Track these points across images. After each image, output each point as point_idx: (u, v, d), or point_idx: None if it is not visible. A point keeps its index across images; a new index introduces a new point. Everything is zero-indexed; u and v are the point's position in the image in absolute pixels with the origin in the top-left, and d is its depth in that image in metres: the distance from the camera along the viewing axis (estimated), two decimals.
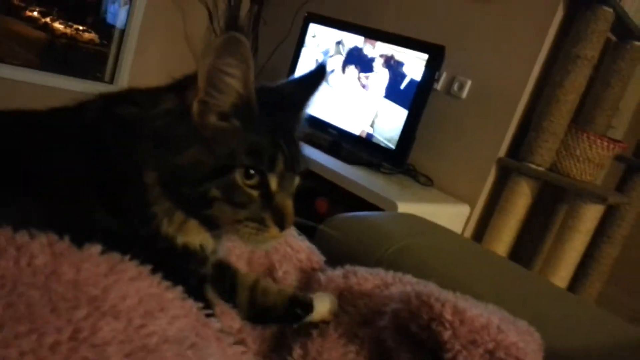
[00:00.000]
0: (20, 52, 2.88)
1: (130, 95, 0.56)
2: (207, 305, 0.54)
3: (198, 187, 0.52)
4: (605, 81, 2.13)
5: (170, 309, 0.44)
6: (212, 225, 0.56)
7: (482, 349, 0.57)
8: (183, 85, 0.54)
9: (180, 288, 0.48)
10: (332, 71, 2.31)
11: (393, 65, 2.13)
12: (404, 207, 1.79)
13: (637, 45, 2.07)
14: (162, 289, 0.45)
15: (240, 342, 0.61)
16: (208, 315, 0.49)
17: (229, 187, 0.53)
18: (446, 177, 2.22)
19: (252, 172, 0.54)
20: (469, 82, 2.14)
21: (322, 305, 0.71)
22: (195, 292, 0.51)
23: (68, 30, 3.03)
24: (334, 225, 1.16)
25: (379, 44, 2.18)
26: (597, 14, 1.84)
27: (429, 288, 0.65)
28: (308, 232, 1.01)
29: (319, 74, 0.64)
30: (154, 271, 0.47)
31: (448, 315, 0.59)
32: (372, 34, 2.21)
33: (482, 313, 0.61)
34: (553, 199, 2.26)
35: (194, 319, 0.46)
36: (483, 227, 2.17)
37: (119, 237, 0.49)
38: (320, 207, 2.13)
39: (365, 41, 2.23)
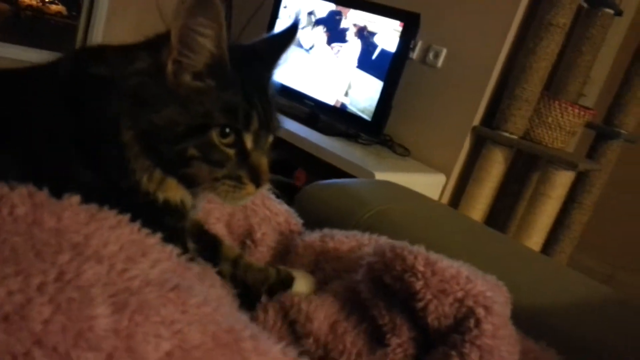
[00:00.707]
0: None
1: (103, 53, 0.56)
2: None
3: (175, 146, 0.53)
4: (577, 48, 2.17)
5: (151, 254, 0.45)
6: (190, 183, 0.57)
7: (452, 298, 0.60)
8: (156, 45, 0.54)
9: (158, 234, 0.49)
10: (304, 27, 2.30)
11: (366, 36, 2.13)
12: (381, 177, 1.82)
13: (607, 12, 2.11)
14: (143, 236, 0.47)
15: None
16: (188, 260, 0.51)
17: (206, 146, 0.54)
18: (422, 146, 2.25)
19: (227, 130, 0.55)
20: (444, 51, 2.15)
21: (301, 284, 0.72)
22: (175, 242, 0.52)
23: (34, 2, 2.95)
24: (311, 192, 1.18)
25: (351, 13, 2.18)
26: None
27: (403, 242, 0.68)
28: (287, 198, 1.03)
29: (290, 31, 0.65)
30: (133, 220, 0.48)
31: (420, 267, 0.62)
32: (345, 2, 2.20)
33: (452, 264, 0.64)
34: (526, 167, 2.31)
35: (175, 263, 0.48)
36: (459, 195, 2.22)
37: (97, 190, 0.50)
38: (299, 178, 2.15)
39: (337, 9, 2.22)
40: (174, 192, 0.57)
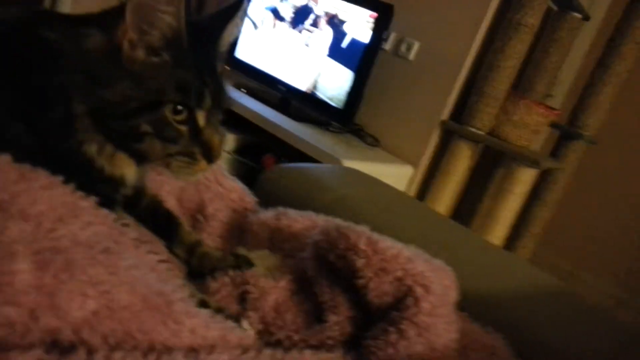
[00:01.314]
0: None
1: (50, 20, 0.55)
2: None
3: (128, 122, 0.53)
4: (545, 50, 2.21)
5: (83, 216, 0.45)
6: (142, 158, 0.58)
7: (392, 277, 0.61)
8: (108, 20, 0.54)
9: (93, 198, 0.49)
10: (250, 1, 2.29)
11: (337, 24, 2.14)
12: (349, 166, 1.83)
13: (575, 16, 2.15)
14: (76, 198, 0.47)
15: (169, 265, 0.63)
16: (124, 225, 0.51)
17: (159, 122, 0.54)
18: (392, 138, 2.26)
19: (180, 108, 0.55)
20: (417, 44, 2.17)
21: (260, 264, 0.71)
22: (105, 207, 0.52)
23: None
24: (273, 175, 1.18)
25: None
26: None
27: (349, 223, 0.69)
28: (248, 181, 1.03)
29: (235, 6, 0.65)
30: (67, 182, 0.48)
31: (362, 245, 0.63)
32: None
33: (394, 245, 0.65)
34: (492, 163, 2.35)
35: (109, 227, 0.48)
36: (426, 188, 2.25)
37: (34, 152, 0.49)
38: (267, 163, 2.15)
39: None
40: (120, 166, 0.57)
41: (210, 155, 0.58)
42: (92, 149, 0.54)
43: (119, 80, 0.52)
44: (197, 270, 0.67)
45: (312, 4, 2.22)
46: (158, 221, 0.67)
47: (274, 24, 2.33)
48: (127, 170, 0.58)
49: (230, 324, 0.51)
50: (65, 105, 0.52)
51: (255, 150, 2.21)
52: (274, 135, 2.05)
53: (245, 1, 0.66)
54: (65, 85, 0.52)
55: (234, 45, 2.46)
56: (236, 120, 2.21)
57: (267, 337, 0.61)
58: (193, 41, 0.57)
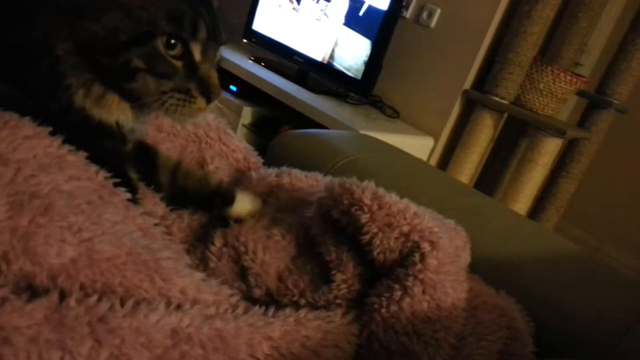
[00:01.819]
0: None
1: None
2: (129, 183, 0.54)
3: (118, 57, 0.51)
4: (573, 14, 2.11)
5: (69, 169, 0.43)
6: (134, 98, 0.55)
7: (397, 232, 0.58)
8: None
9: (83, 154, 0.47)
10: None
11: None
12: None
13: None
14: (64, 151, 0.44)
15: (165, 229, 0.61)
16: (116, 185, 0.49)
17: (152, 56, 0.52)
18: (412, 109, 2.21)
19: (173, 41, 0.52)
20: (438, 11, 2.10)
21: (242, 204, 0.70)
22: (114, 169, 0.50)
23: None
24: (284, 140, 1.15)
25: None
26: None
27: (353, 179, 0.66)
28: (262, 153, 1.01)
29: None
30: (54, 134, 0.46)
31: (367, 200, 0.60)
32: None
33: (401, 200, 0.62)
34: (516, 133, 2.28)
35: (97, 185, 0.46)
36: (447, 159, 2.20)
37: (23, 109, 0.47)
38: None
39: None
40: (112, 110, 0.54)
41: (208, 93, 0.56)
42: (79, 94, 0.51)
43: (106, 11, 0.50)
44: (182, 191, 0.66)
45: None
46: (139, 156, 0.65)
47: None
48: (122, 115, 0.55)
49: (227, 290, 0.49)
50: (49, 49, 0.49)
51: (273, 124, 2.18)
52: (291, 107, 2.02)
53: None
54: (49, 27, 0.49)
55: (251, 17, 2.43)
56: (254, 94, 2.19)
57: (274, 306, 0.59)
58: None
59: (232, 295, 0.52)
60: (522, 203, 2.07)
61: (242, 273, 0.63)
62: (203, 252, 0.64)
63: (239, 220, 0.68)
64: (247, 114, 2.22)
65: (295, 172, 0.79)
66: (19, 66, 0.50)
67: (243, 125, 2.22)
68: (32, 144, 0.43)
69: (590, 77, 2.30)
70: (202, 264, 0.63)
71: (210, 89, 0.56)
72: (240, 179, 0.78)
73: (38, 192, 0.39)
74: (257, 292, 0.61)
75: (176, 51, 0.53)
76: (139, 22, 0.50)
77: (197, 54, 0.55)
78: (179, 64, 0.53)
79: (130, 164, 0.59)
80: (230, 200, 0.69)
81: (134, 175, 0.59)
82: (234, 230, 0.64)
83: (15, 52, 0.50)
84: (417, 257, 0.57)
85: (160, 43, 0.51)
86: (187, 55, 0.54)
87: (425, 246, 0.57)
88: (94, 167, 0.48)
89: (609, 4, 2.18)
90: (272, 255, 0.63)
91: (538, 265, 0.84)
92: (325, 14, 2.17)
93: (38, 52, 0.50)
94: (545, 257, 0.88)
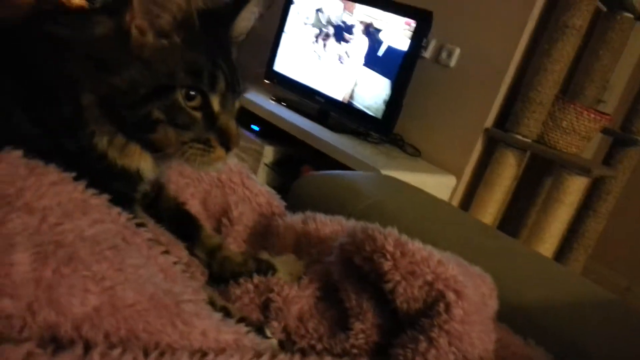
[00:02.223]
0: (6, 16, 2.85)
1: (57, 16, 0.55)
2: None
3: (139, 110, 0.52)
4: (594, 52, 2.11)
5: (93, 213, 0.43)
6: (156, 149, 0.56)
7: (421, 280, 0.57)
8: (115, 7, 0.53)
9: (106, 196, 0.48)
10: (312, 24, 2.28)
11: (373, 33, 2.11)
12: None
13: (627, 16, 2.05)
14: (87, 196, 0.45)
15: (190, 274, 0.61)
16: (139, 225, 0.49)
17: (172, 108, 0.53)
18: (433, 147, 2.21)
19: (193, 93, 0.53)
20: (458, 50, 2.11)
21: (285, 276, 0.67)
22: (122, 207, 0.51)
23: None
24: (307, 181, 1.16)
25: (357, 9, 2.16)
26: None
27: (376, 225, 0.65)
28: (287, 194, 1.01)
29: None
30: (78, 179, 0.47)
31: (390, 247, 0.59)
32: None
33: (424, 247, 0.61)
34: (539, 171, 2.25)
35: (120, 226, 0.46)
36: (469, 198, 2.17)
37: (47, 149, 0.48)
38: (306, 174, 2.13)
39: (344, 8, 2.20)
40: (134, 158, 0.55)
41: (227, 142, 0.56)
42: (102, 141, 0.52)
43: (127, 66, 0.51)
44: (219, 275, 0.65)
45: (347, 14, 2.20)
46: (178, 223, 0.65)
47: (312, 37, 2.33)
48: (143, 163, 0.56)
49: (244, 328, 0.48)
50: (74, 98, 0.51)
51: (295, 163, 2.20)
52: (313, 146, 2.03)
53: None
54: (74, 77, 0.51)
55: (272, 58, 2.48)
56: (275, 133, 2.21)
57: (290, 347, 0.58)
58: (205, 25, 0.55)
59: (248, 331, 0.51)
60: (548, 243, 2.02)
61: (264, 305, 0.62)
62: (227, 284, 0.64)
63: None
64: (268, 153, 2.24)
65: (320, 217, 0.78)
66: (45, 103, 0.51)
67: (265, 164, 2.23)
68: (57, 190, 0.44)
69: (613, 114, 2.28)
70: (225, 293, 0.63)
71: (229, 139, 0.56)
72: (266, 227, 0.78)
73: (62, 240, 0.39)
74: (275, 325, 0.60)
75: (195, 102, 0.54)
76: (158, 75, 0.52)
77: (215, 105, 0.56)
78: (198, 114, 0.54)
79: (139, 209, 0.60)
80: (270, 271, 0.66)
81: (142, 215, 0.60)
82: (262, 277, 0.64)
83: (43, 90, 0.51)
84: (442, 306, 0.55)
85: (179, 95, 0.53)
86: (206, 106, 0.55)
87: (450, 295, 0.56)
88: (116, 209, 0.48)
89: (630, 40, 2.18)
90: (297, 293, 0.63)
91: (567, 311, 0.82)
92: (346, 54, 2.20)
93: (65, 92, 0.51)
94: (574, 302, 0.86)
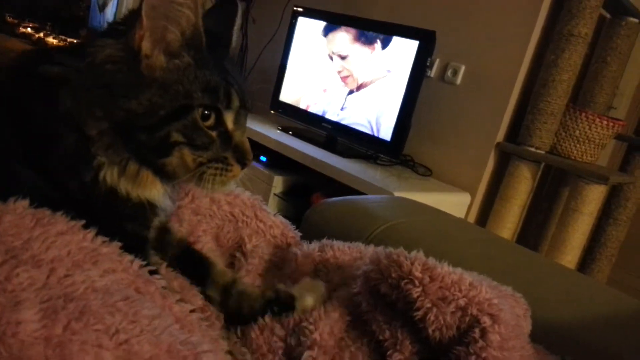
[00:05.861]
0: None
1: (49, 55, 0.53)
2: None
3: (157, 132, 0.50)
4: (602, 59, 2.09)
5: (104, 263, 0.41)
6: (167, 175, 0.54)
7: (453, 306, 0.54)
8: (119, 30, 0.51)
9: (117, 244, 0.45)
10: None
11: (376, 55, 2.10)
12: None
13: (631, 21, 2.03)
14: (97, 244, 0.43)
15: (207, 321, 0.57)
16: (151, 273, 0.47)
17: (190, 128, 0.52)
18: (445, 166, 2.18)
19: (207, 112, 0.53)
20: (463, 68, 2.10)
21: (306, 301, 0.63)
22: (135, 251, 0.48)
23: (62, 44, 3.05)
24: (321, 208, 1.13)
25: (360, 35, 2.16)
26: None
27: (400, 249, 0.62)
28: (299, 224, 0.98)
29: (231, 9, 0.62)
30: (87, 226, 0.44)
31: (417, 272, 0.56)
32: (361, 24, 2.18)
33: (454, 270, 0.58)
34: (555, 182, 2.21)
35: (133, 275, 0.44)
36: (485, 214, 2.13)
37: (51, 197, 0.46)
38: (317, 202, 2.10)
39: (347, 33, 2.21)
40: (147, 186, 0.53)
41: (243, 159, 0.56)
42: (112, 173, 0.50)
43: (142, 88, 0.49)
44: (236, 312, 0.61)
45: (349, 40, 2.20)
46: (189, 263, 0.62)
47: (317, 64, 2.33)
48: (155, 191, 0.54)
49: None
50: (75, 132, 0.49)
51: (305, 191, 2.17)
52: (322, 174, 2.01)
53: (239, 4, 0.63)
54: (74, 111, 0.49)
55: (277, 89, 2.48)
56: (284, 163, 2.19)
57: None
58: (208, 43, 0.54)
59: None
60: (570, 255, 1.97)
61: (286, 345, 0.59)
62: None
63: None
64: (278, 183, 2.22)
65: (338, 244, 0.76)
66: (41, 147, 0.49)
67: (275, 194, 2.21)
68: (65, 240, 0.41)
69: (625, 120, 2.25)
70: (243, 338, 0.59)
71: (245, 155, 0.56)
72: (282, 258, 0.75)
73: (72, 293, 0.37)
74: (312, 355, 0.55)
75: (210, 122, 0.53)
76: (175, 96, 0.51)
77: (229, 123, 0.55)
78: (214, 134, 0.54)
79: (149, 247, 0.57)
80: (291, 303, 0.62)
81: (154, 259, 0.57)
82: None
83: (38, 134, 0.49)
84: (477, 333, 0.52)
85: (197, 115, 0.52)
86: (220, 124, 0.54)
87: (486, 320, 0.52)
88: (128, 257, 0.46)
89: (637, 45, 2.16)
90: (322, 315, 0.60)
91: (603, 325, 0.78)
92: (351, 78, 2.20)
93: (62, 130, 0.49)
94: (608, 315, 0.82)
